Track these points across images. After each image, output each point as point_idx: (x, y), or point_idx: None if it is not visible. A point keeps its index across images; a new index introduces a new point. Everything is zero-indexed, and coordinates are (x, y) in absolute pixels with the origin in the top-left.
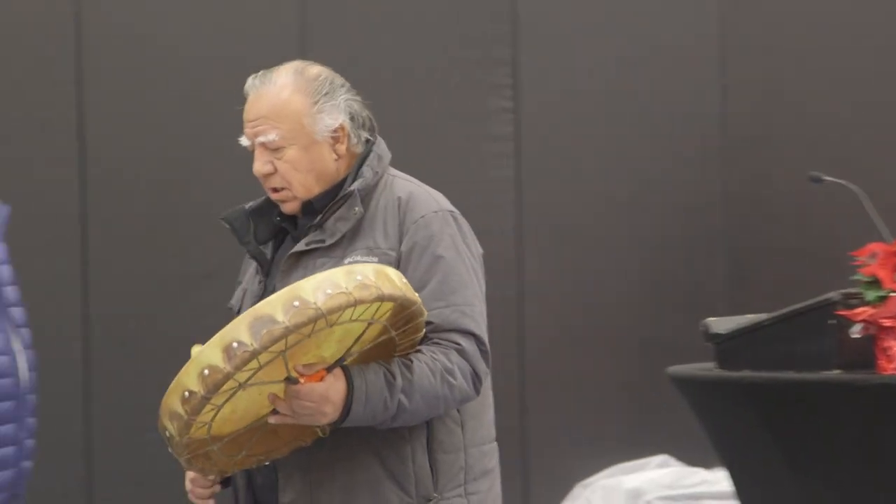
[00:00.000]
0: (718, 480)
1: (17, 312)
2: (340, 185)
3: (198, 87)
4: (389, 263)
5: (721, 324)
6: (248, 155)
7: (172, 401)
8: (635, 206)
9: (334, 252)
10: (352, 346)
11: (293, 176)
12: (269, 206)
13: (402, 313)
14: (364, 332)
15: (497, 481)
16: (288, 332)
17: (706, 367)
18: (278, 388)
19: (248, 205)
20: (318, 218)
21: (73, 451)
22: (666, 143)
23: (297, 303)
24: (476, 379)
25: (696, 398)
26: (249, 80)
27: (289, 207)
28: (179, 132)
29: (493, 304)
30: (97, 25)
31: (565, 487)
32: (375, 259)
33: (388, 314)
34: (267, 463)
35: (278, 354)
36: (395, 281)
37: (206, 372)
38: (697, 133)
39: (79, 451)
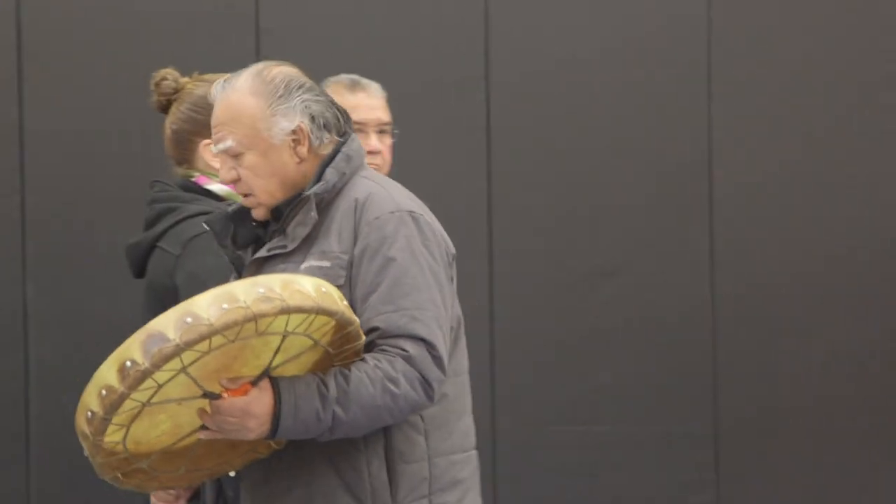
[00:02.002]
0: None
1: None
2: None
3: None
4: (342, 267)
5: None
6: None
7: (80, 420)
8: None
9: (294, 257)
10: (273, 357)
11: (254, 182)
12: (248, 211)
13: (330, 324)
14: (281, 343)
15: (472, 492)
16: (179, 350)
17: None
18: (205, 403)
19: (231, 208)
20: (280, 223)
21: (482, 443)
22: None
23: (189, 319)
24: (426, 385)
25: None
26: (214, 87)
27: (257, 213)
28: None
29: None
30: None
31: None
32: (328, 263)
33: (322, 329)
34: (232, 474)
35: (177, 372)
36: (307, 292)
37: (104, 392)
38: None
39: (487, 445)
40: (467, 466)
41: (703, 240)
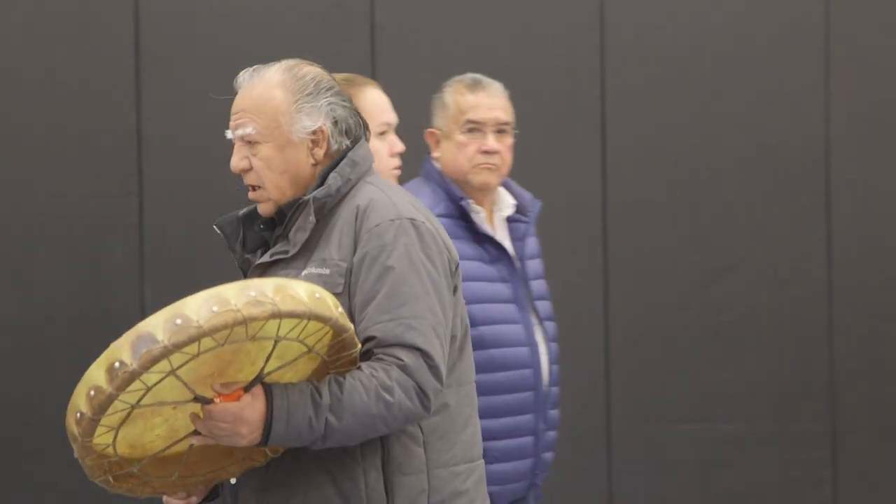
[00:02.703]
0: None
1: (544, 306)
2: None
3: None
4: (341, 275)
5: None
6: None
7: (69, 421)
8: None
9: (296, 263)
10: (265, 363)
11: (266, 175)
12: (258, 214)
13: (325, 331)
14: (273, 349)
15: (476, 503)
16: (167, 352)
17: None
18: (198, 408)
19: (242, 211)
20: (283, 228)
21: (596, 440)
22: None
23: (179, 320)
24: (422, 395)
25: None
26: (241, 74)
27: (263, 209)
28: None
29: None
30: None
31: None
32: (328, 271)
33: (317, 335)
34: (233, 481)
35: (167, 374)
36: (299, 297)
37: (92, 393)
38: None
39: (601, 441)
40: (471, 477)
41: (819, 235)
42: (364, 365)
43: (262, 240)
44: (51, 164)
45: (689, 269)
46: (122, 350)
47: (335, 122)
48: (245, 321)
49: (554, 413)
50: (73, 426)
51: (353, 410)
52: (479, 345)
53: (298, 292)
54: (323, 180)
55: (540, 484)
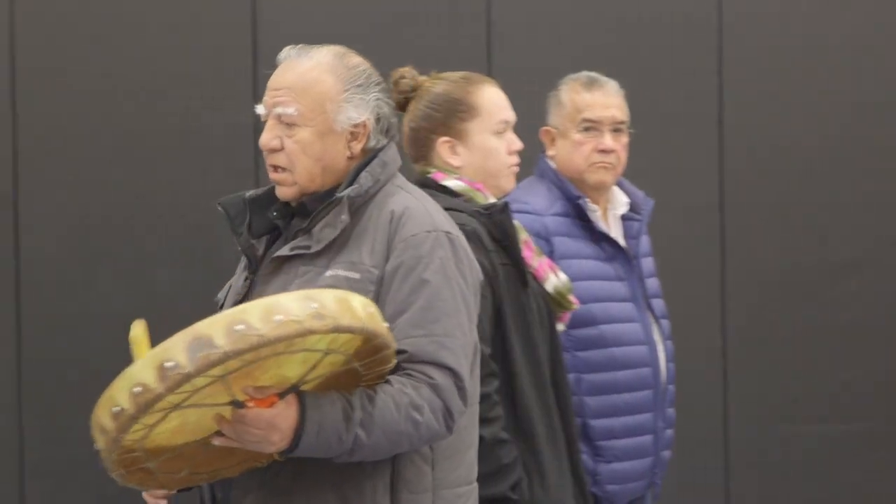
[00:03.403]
0: None
1: (659, 304)
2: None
3: None
4: (371, 282)
5: None
6: None
7: (102, 414)
8: None
9: (318, 261)
10: (308, 372)
11: (299, 159)
12: (270, 199)
13: (368, 345)
14: (320, 360)
15: None
16: (226, 357)
17: None
18: (225, 409)
19: (248, 193)
20: (307, 222)
21: (714, 439)
22: None
23: (240, 327)
24: (448, 416)
25: None
26: (286, 50)
27: (285, 192)
28: None
29: None
30: None
31: None
32: (358, 275)
33: (352, 344)
34: (232, 479)
35: (216, 379)
36: (357, 311)
37: (138, 390)
38: None
39: (719, 440)
40: (470, 499)
41: None
42: (393, 379)
43: (270, 226)
44: (170, 164)
45: (810, 268)
46: (175, 351)
47: (378, 119)
48: (306, 333)
49: (671, 411)
50: (106, 420)
51: (383, 427)
52: (599, 343)
53: (355, 306)
54: (354, 176)
55: (659, 483)
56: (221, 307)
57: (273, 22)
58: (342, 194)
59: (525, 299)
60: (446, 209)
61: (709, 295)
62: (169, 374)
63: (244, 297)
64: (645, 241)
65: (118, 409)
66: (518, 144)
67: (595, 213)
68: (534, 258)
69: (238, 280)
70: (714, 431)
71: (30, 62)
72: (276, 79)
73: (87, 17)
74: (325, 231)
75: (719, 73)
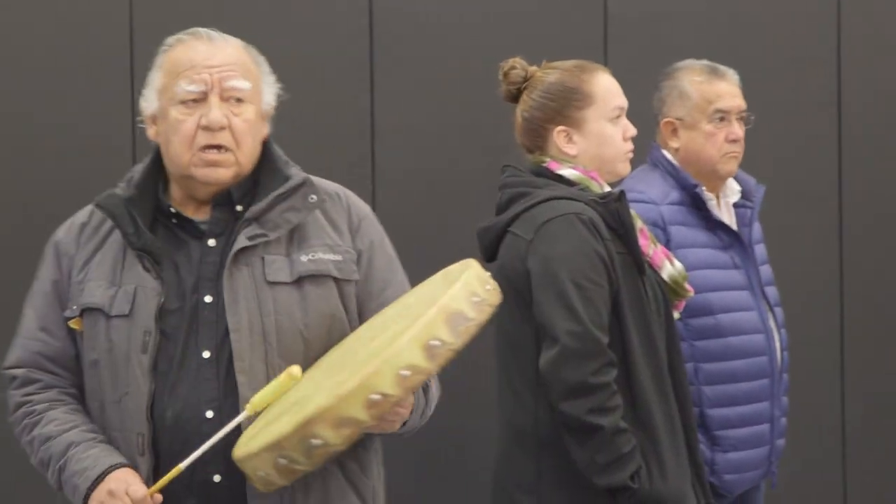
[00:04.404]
0: None
1: (773, 292)
2: (254, 173)
3: None
4: (353, 262)
5: None
6: None
7: (349, 406)
8: None
9: (278, 248)
10: None
11: (244, 139)
12: (145, 197)
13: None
14: None
15: None
16: (476, 329)
17: None
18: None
19: (122, 192)
20: (261, 207)
21: (832, 430)
22: None
23: (475, 298)
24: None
25: None
26: (195, 29)
27: (222, 174)
28: None
29: None
30: None
31: None
32: (340, 257)
33: None
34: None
35: (452, 354)
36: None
37: (406, 373)
38: None
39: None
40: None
41: None
42: None
43: (149, 224)
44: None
45: None
46: (437, 328)
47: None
48: (492, 311)
49: (785, 400)
50: (358, 411)
51: (434, 396)
52: (716, 333)
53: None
54: (275, 162)
55: (776, 472)
56: (129, 316)
57: (388, 13)
58: (303, 176)
59: (641, 288)
60: (563, 198)
61: (827, 284)
62: (438, 352)
63: (183, 296)
64: (757, 229)
65: (380, 396)
66: (633, 130)
67: (711, 201)
68: (649, 246)
69: (145, 281)
70: (832, 421)
71: None
72: (212, 55)
73: None
74: (287, 215)
75: (838, 59)
